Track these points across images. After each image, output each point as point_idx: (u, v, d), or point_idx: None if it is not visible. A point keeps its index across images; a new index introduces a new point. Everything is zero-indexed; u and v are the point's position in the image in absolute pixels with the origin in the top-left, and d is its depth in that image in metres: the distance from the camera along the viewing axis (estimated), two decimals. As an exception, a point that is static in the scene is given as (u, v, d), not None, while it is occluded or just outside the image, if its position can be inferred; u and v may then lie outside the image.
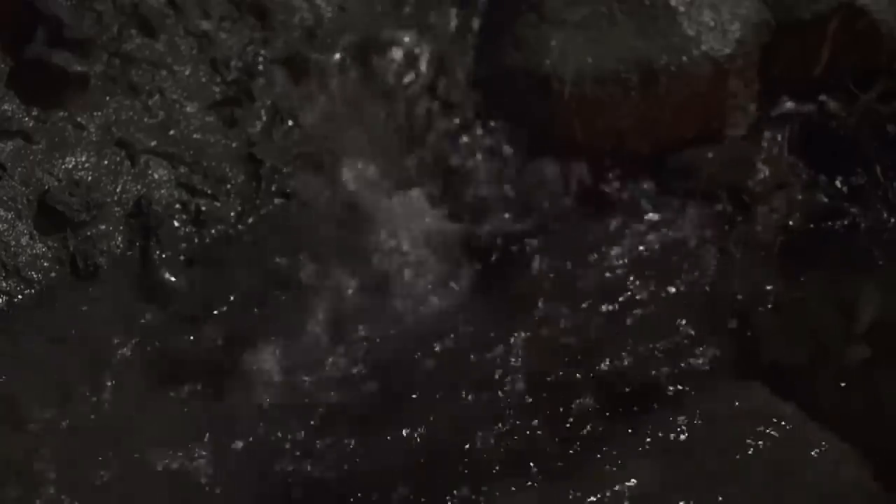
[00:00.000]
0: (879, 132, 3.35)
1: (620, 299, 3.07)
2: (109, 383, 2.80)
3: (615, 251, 3.22)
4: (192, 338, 2.95)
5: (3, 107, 3.01)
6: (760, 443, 2.52)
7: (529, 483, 2.57)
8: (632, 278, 3.13)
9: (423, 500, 2.59)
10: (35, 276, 2.94)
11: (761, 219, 3.29)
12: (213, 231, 3.15)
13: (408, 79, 3.53)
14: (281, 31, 3.40)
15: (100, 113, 3.14)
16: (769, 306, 3.03)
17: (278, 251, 3.17)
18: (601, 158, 3.40)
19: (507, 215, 3.38)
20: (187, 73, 3.27)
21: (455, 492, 2.59)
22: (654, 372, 2.85)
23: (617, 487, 2.47)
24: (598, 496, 2.46)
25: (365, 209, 3.34)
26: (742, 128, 3.48)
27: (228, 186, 3.22)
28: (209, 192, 3.18)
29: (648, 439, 2.60)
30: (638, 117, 3.39)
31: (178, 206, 3.14)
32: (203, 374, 2.88)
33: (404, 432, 2.73)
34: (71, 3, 3.10)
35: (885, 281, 3.03)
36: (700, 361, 2.88)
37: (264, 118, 3.32)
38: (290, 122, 3.34)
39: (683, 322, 2.98)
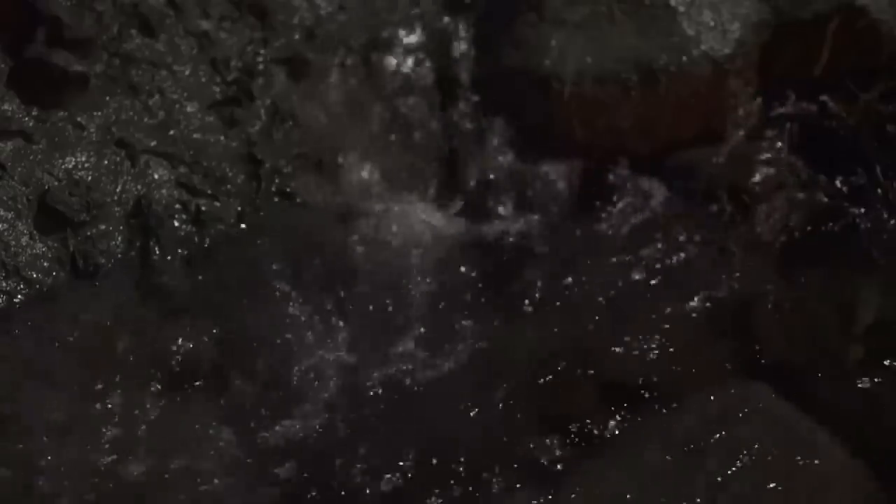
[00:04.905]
0: (879, 132, 3.35)
1: (620, 299, 3.07)
2: (109, 383, 2.80)
3: (615, 251, 3.22)
4: (192, 338, 2.94)
5: (3, 107, 3.01)
6: (760, 443, 2.51)
7: (529, 483, 2.57)
8: (632, 278, 3.13)
9: (423, 500, 2.59)
10: (35, 276, 2.94)
11: (761, 219, 3.29)
12: (213, 231, 3.16)
13: (408, 79, 3.54)
14: (281, 31, 3.40)
15: (100, 113, 3.14)
16: (769, 306, 3.03)
17: (278, 251, 3.16)
18: (601, 158, 3.40)
19: (506, 215, 3.38)
20: (187, 73, 3.27)
21: (455, 492, 2.59)
22: (654, 372, 2.85)
23: (616, 487, 2.47)
24: (598, 496, 2.46)
25: (364, 209, 3.34)
26: (742, 128, 3.48)
27: (228, 186, 3.22)
28: (209, 192, 3.19)
29: (648, 439, 2.59)
30: (638, 117, 3.39)
31: (178, 206, 3.14)
32: (203, 374, 2.88)
33: (404, 432, 2.73)
34: (71, 3, 3.10)
35: (885, 281, 3.03)
36: (700, 361, 2.88)
37: (264, 118, 3.32)
38: (290, 122, 3.34)
39: (684, 322, 2.98)
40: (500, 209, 3.39)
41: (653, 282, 3.12)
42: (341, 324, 3.03)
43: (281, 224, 3.23)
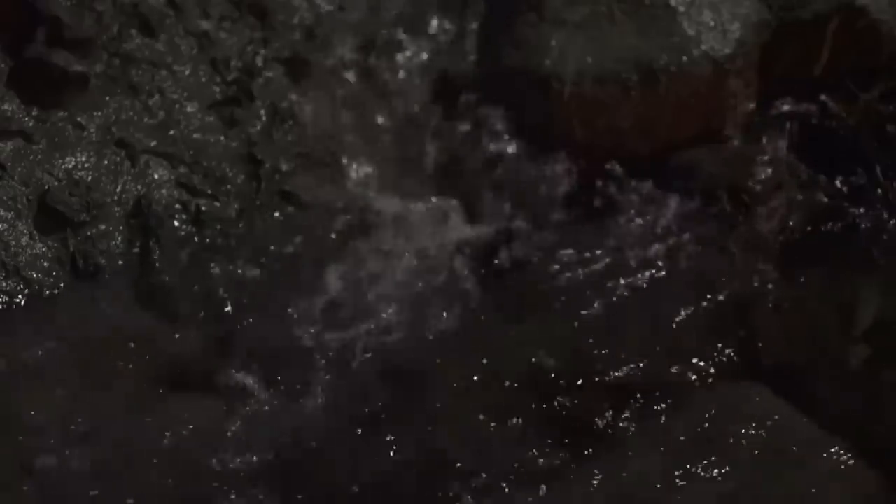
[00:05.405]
0: (879, 132, 3.35)
1: (620, 299, 3.07)
2: (109, 384, 2.80)
3: (615, 251, 3.22)
4: (191, 338, 2.95)
5: (3, 107, 3.02)
6: (761, 443, 2.52)
7: (529, 483, 2.57)
8: (632, 278, 3.13)
9: (423, 500, 2.59)
10: (35, 276, 2.94)
11: (761, 219, 3.29)
12: (213, 231, 3.16)
13: (407, 78, 3.53)
14: (281, 31, 3.40)
15: (100, 113, 3.14)
16: (769, 306, 3.03)
17: (278, 251, 3.17)
18: (601, 158, 3.40)
19: (506, 215, 3.38)
20: (187, 73, 3.27)
21: (455, 492, 2.59)
22: (654, 372, 2.85)
23: (617, 488, 2.47)
24: (598, 496, 2.46)
25: (364, 209, 3.34)
26: (742, 127, 3.48)
27: (228, 186, 3.22)
28: (209, 192, 3.19)
29: (648, 440, 2.59)
30: (638, 117, 3.39)
31: (178, 206, 3.15)
32: (203, 374, 2.88)
33: (405, 433, 2.73)
34: (71, 3, 3.10)
35: (885, 281, 3.03)
36: (700, 361, 2.88)
37: (264, 118, 3.32)
38: (290, 122, 3.34)
39: (683, 322, 2.98)
40: (500, 209, 3.39)
41: (652, 281, 3.12)
42: (341, 324, 3.03)
43: (281, 224, 3.23)
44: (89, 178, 3.06)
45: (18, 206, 2.97)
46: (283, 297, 3.07)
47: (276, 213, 3.25)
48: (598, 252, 3.21)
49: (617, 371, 2.86)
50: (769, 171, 3.36)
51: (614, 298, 3.07)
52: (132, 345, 2.89)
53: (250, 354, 2.93)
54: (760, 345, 2.92)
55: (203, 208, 3.16)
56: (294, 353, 2.93)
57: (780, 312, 3.01)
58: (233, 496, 2.60)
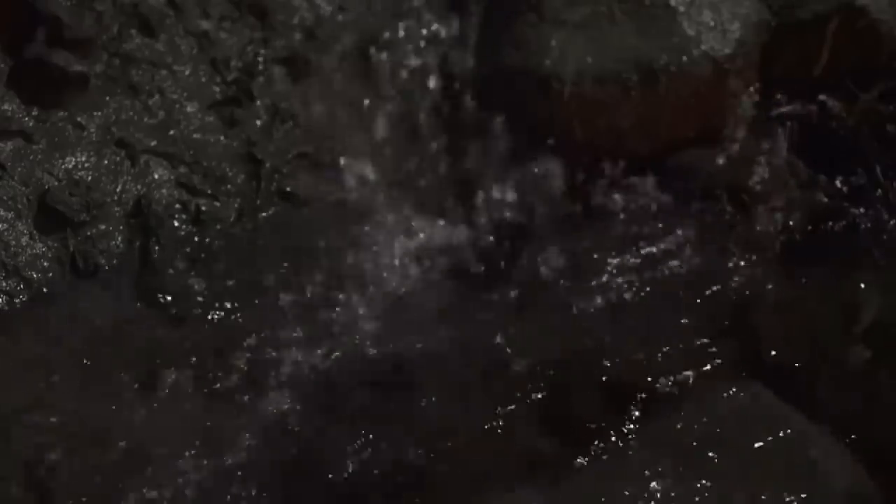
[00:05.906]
0: (879, 132, 3.35)
1: (620, 300, 3.07)
2: (109, 383, 2.80)
3: (615, 251, 3.22)
4: (192, 338, 2.95)
5: (3, 107, 3.02)
6: (761, 443, 2.51)
7: (529, 483, 2.57)
8: (631, 278, 3.13)
9: (422, 500, 2.59)
10: (35, 276, 2.94)
11: (761, 219, 3.29)
12: (213, 231, 3.16)
13: (408, 79, 3.53)
14: (281, 31, 3.40)
15: (100, 113, 3.14)
16: (769, 306, 3.03)
17: (278, 251, 3.17)
18: (601, 158, 3.40)
19: (506, 215, 3.38)
20: (187, 73, 3.27)
21: (455, 492, 2.59)
22: (654, 372, 2.85)
23: (616, 488, 2.47)
24: (598, 497, 2.46)
25: (365, 209, 3.34)
26: (742, 128, 3.48)
27: (228, 186, 3.22)
28: (209, 192, 3.19)
29: (648, 440, 2.59)
30: (638, 117, 3.39)
31: (178, 206, 3.15)
32: (203, 374, 2.88)
33: (404, 433, 2.73)
34: (71, 3, 3.10)
35: (885, 281, 3.03)
36: (700, 361, 2.88)
37: (264, 118, 3.32)
38: (290, 122, 3.34)
39: (683, 322, 2.98)
40: (500, 209, 3.39)
41: (652, 281, 3.12)
42: (341, 324, 3.03)
43: (281, 224, 3.23)
44: (89, 178, 3.07)
45: (18, 206, 2.98)
46: (282, 297, 3.07)
47: (277, 213, 3.25)
48: (598, 252, 3.21)
49: (616, 371, 2.87)
50: (769, 171, 3.37)
51: (614, 298, 3.07)
52: (132, 345, 2.89)
53: (250, 354, 2.93)
54: (760, 345, 2.92)
55: (203, 208, 3.16)
56: (293, 353, 2.94)
57: (780, 312, 3.01)
58: (233, 496, 2.60)
